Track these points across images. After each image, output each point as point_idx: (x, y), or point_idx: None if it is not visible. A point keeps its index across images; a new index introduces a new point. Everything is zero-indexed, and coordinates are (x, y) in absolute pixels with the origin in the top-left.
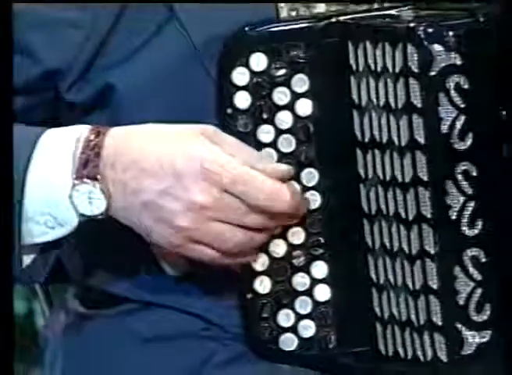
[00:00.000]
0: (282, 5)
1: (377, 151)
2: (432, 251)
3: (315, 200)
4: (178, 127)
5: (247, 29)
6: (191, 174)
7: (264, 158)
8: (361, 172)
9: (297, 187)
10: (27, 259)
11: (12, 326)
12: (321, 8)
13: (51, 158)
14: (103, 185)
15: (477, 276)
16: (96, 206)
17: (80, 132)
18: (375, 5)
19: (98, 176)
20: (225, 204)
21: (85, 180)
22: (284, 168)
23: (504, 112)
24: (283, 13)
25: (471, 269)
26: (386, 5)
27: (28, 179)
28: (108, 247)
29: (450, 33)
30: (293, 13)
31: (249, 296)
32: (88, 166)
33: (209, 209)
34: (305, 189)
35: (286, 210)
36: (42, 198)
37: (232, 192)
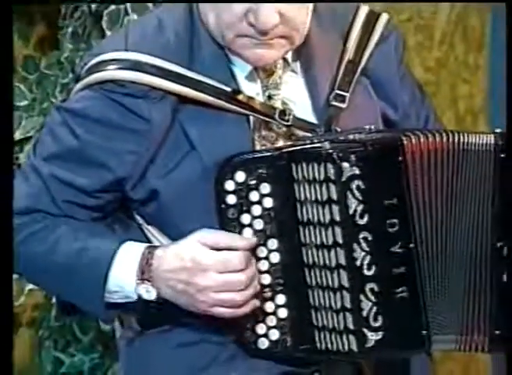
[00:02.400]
0: (257, 142)
1: (311, 227)
2: (347, 285)
3: (276, 257)
4: (186, 241)
5: (233, 157)
6: (195, 268)
7: (238, 238)
8: (302, 240)
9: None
10: (110, 312)
11: (12, 326)
12: (280, 143)
13: (125, 268)
14: (154, 284)
15: (374, 299)
16: (150, 295)
17: (141, 250)
18: (308, 141)
19: (151, 279)
20: (217, 280)
21: (144, 282)
22: (252, 240)
23: (387, 201)
24: (257, 146)
25: (370, 295)
26: (315, 140)
27: (110, 274)
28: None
29: (352, 156)
30: (263, 146)
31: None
32: (145, 274)
33: (212, 286)
34: (270, 251)
35: (243, 264)
36: (117, 285)
37: (219, 270)
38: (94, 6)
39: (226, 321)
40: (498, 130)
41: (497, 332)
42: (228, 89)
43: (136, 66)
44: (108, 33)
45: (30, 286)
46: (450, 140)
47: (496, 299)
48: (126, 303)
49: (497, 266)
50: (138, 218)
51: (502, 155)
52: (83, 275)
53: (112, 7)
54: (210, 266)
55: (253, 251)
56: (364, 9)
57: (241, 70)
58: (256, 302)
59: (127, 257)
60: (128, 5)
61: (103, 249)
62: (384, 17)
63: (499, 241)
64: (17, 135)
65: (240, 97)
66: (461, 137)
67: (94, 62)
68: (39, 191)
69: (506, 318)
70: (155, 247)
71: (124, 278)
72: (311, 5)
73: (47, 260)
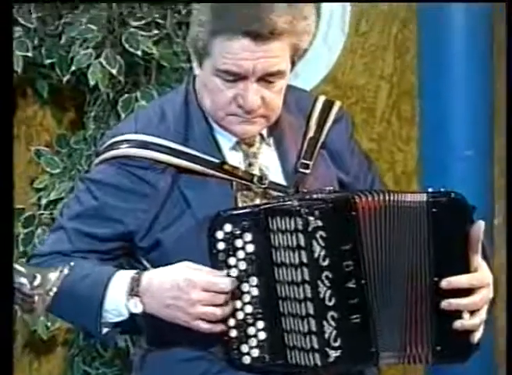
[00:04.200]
0: (239, 200)
1: (284, 267)
2: (312, 313)
3: (256, 291)
4: (175, 267)
5: (221, 212)
6: (188, 285)
7: (222, 277)
8: (277, 278)
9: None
10: (105, 330)
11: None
12: (257, 201)
13: (118, 287)
14: (141, 299)
15: (334, 324)
16: (138, 308)
17: (131, 275)
18: (281, 200)
19: (139, 294)
20: (206, 295)
21: (133, 297)
22: (232, 280)
23: (343, 247)
24: (239, 203)
25: (331, 321)
26: (286, 199)
27: (107, 295)
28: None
29: (316, 211)
30: (245, 203)
31: (226, 338)
32: (133, 291)
33: (199, 300)
34: (251, 286)
35: (228, 288)
36: (113, 304)
37: (207, 288)
38: (111, 95)
39: (217, 341)
40: (430, 190)
41: (438, 348)
42: (216, 160)
43: (144, 145)
44: (123, 115)
45: None
46: (392, 198)
47: (435, 322)
48: (120, 323)
49: (435, 296)
50: (145, 262)
51: (433, 210)
52: (85, 295)
53: (126, 95)
54: (200, 284)
55: (238, 286)
56: (321, 99)
57: (226, 144)
58: (224, 327)
59: (120, 279)
60: (138, 93)
61: (102, 275)
62: (337, 104)
63: (436, 277)
64: (52, 196)
65: (226, 167)
66: (401, 196)
67: (110, 141)
68: (61, 239)
69: (444, 336)
70: (143, 271)
71: (118, 296)
72: (283, 94)
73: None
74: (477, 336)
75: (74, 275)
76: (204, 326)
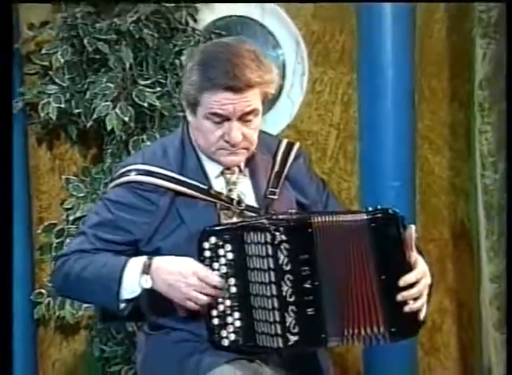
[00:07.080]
0: (221, 218)
1: (256, 271)
2: (276, 306)
3: (234, 289)
4: (183, 258)
5: (207, 227)
6: (189, 272)
7: (216, 276)
8: (250, 279)
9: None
10: (122, 305)
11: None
12: (235, 219)
13: (133, 268)
14: (151, 276)
15: (293, 315)
16: (148, 284)
17: (144, 260)
18: (254, 219)
19: (149, 273)
20: (198, 283)
21: (144, 275)
22: (221, 280)
23: (301, 256)
24: (222, 220)
25: (291, 313)
26: (258, 219)
27: (124, 275)
28: (157, 304)
29: (281, 228)
30: (226, 221)
31: (210, 325)
32: (145, 270)
33: (196, 285)
34: (230, 286)
35: (217, 284)
36: (129, 282)
37: (202, 279)
38: (124, 137)
39: (203, 327)
40: (370, 208)
41: (393, 329)
42: (204, 187)
43: (149, 173)
44: (133, 151)
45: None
46: (340, 218)
47: (387, 310)
48: (133, 299)
49: (383, 290)
50: None
51: (372, 225)
52: (105, 278)
53: (135, 137)
54: (199, 274)
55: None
56: (284, 141)
57: (212, 173)
58: (204, 311)
59: (134, 262)
60: (144, 136)
61: (118, 261)
62: (297, 144)
63: (382, 276)
64: (77, 214)
65: (212, 192)
66: (347, 216)
67: (123, 170)
68: (83, 241)
69: (397, 319)
70: (154, 257)
71: (132, 275)
72: (258, 130)
73: (81, 275)
74: (422, 314)
75: (95, 264)
76: (192, 305)
